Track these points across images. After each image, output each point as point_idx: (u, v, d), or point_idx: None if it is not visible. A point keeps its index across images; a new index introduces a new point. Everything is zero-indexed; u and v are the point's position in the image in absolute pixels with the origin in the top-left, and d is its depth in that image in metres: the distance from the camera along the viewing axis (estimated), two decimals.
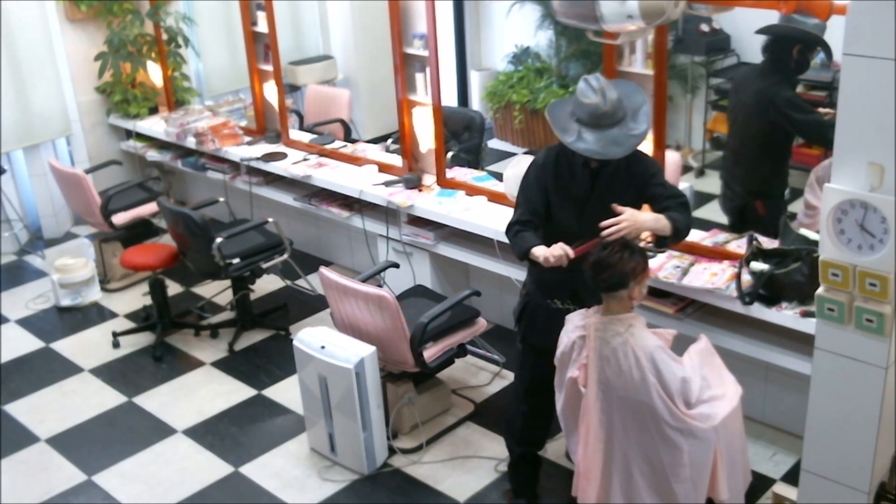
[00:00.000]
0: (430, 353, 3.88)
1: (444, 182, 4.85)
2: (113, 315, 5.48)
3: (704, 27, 6.36)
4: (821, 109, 4.30)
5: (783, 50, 4.07)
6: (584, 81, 3.14)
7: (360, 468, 3.93)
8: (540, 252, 3.15)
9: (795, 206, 4.52)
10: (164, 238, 5.62)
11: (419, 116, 4.85)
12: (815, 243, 3.13)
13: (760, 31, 4.13)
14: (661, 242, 3.27)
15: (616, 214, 3.12)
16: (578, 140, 3.11)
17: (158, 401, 4.59)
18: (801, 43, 4.02)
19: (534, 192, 3.32)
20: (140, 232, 5.65)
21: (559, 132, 3.16)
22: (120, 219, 5.51)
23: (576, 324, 3.09)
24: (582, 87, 3.14)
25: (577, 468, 3.17)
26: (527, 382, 3.55)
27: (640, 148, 3.25)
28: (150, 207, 5.60)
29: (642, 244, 3.09)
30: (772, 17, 4.13)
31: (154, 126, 6.34)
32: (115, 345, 5.10)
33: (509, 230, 3.36)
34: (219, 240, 4.70)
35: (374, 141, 5.87)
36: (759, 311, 3.52)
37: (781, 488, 3.48)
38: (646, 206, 3.34)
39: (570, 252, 3.09)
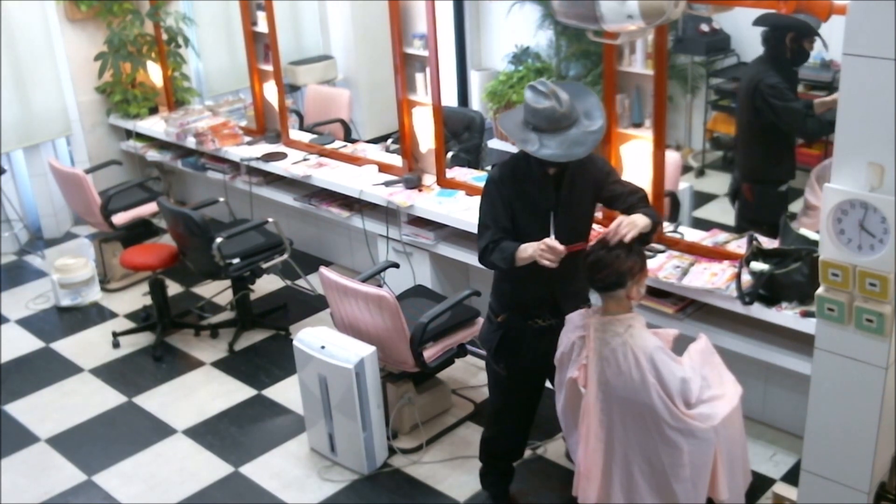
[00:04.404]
0: (430, 353, 3.88)
1: (444, 182, 4.85)
2: (113, 315, 5.48)
3: (704, 27, 6.37)
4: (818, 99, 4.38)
5: (777, 39, 4.20)
6: (531, 90, 3.08)
7: (360, 468, 3.93)
8: (531, 248, 3.06)
9: (795, 206, 4.53)
10: (164, 238, 5.62)
11: (419, 116, 4.85)
12: (815, 243, 3.13)
13: (756, 23, 4.23)
14: (644, 240, 3.18)
15: (582, 221, 3.15)
16: (541, 147, 3.06)
17: (158, 401, 4.59)
18: (792, 31, 4.10)
19: (499, 210, 3.23)
20: (140, 232, 5.65)
21: (520, 143, 3.10)
22: (120, 219, 5.51)
23: (575, 324, 3.09)
24: (531, 96, 3.07)
25: (578, 468, 3.17)
26: (516, 403, 3.50)
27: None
28: (150, 207, 5.61)
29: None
30: None
31: (154, 126, 6.34)
32: (115, 345, 5.10)
33: (484, 252, 3.23)
34: (219, 240, 4.70)
35: (374, 141, 5.87)
36: (759, 311, 3.52)
37: (781, 488, 3.48)
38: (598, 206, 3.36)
39: (560, 246, 3.01)
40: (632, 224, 3.01)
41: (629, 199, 3.18)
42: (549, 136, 3.07)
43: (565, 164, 3.15)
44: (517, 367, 3.41)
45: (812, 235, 3.51)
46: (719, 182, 6.00)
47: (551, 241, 3.04)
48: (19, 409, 4.59)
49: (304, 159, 5.45)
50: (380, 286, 4.10)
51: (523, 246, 3.11)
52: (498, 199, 3.24)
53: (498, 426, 3.61)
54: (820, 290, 2.85)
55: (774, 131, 4.29)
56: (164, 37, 6.32)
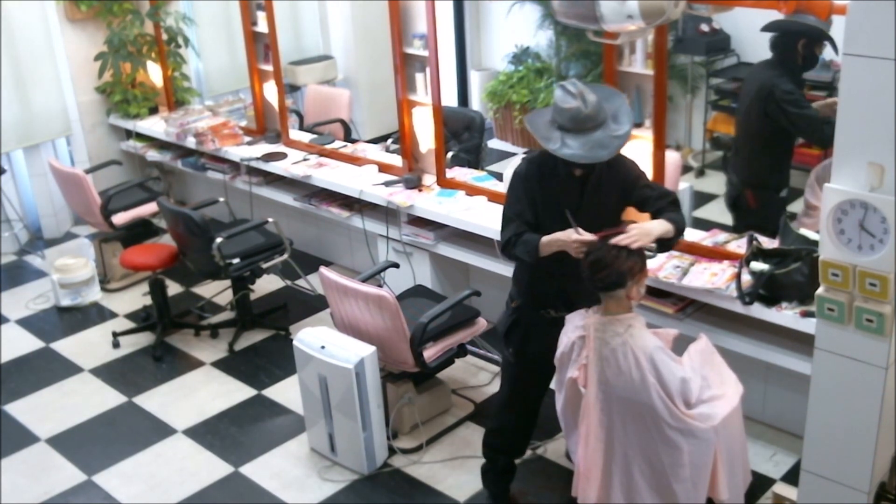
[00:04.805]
0: (430, 353, 3.88)
1: (444, 182, 4.85)
2: (113, 315, 5.48)
3: (704, 27, 6.36)
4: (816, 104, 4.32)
5: (788, 45, 4.12)
6: (560, 88, 3.10)
7: (360, 468, 3.93)
8: (557, 242, 3.08)
9: (796, 206, 4.53)
10: (164, 238, 5.63)
11: (419, 116, 4.85)
12: (815, 243, 3.13)
13: (765, 29, 4.16)
14: (665, 245, 3.24)
15: (607, 223, 3.11)
16: (563, 146, 3.07)
17: (158, 401, 4.59)
18: (805, 37, 4.05)
19: (524, 205, 3.25)
20: (140, 232, 5.65)
21: (542, 141, 3.11)
22: (120, 219, 5.51)
23: (576, 324, 3.10)
24: (560, 94, 3.10)
25: (577, 468, 3.18)
26: (517, 394, 3.53)
27: (622, 150, 3.23)
28: (150, 207, 5.61)
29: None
30: (773, 16, 4.14)
31: (154, 126, 6.34)
32: (115, 345, 5.10)
33: (507, 245, 3.26)
34: (219, 240, 4.70)
35: (374, 141, 5.87)
36: (759, 311, 3.52)
37: (781, 488, 3.48)
38: (630, 210, 3.35)
39: (593, 237, 3.01)
40: (644, 233, 3.02)
41: (658, 203, 3.19)
42: (573, 136, 3.08)
43: (591, 165, 3.15)
44: (525, 355, 3.45)
45: (812, 235, 3.51)
46: (719, 182, 5.99)
47: (583, 234, 3.04)
48: (19, 409, 4.59)
49: (304, 159, 5.45)
50: (380, 286, 4.10)
51: (547, 238, 3.13)
52: (522, 193, 3.27)
53: (502, 417, 3.63)
54: (820, 290, 2.85)
55: (783, 138, 4.24)
56: (164, 37, 6.32)
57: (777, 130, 4.20)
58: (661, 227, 3.10)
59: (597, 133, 3.09)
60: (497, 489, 3.71)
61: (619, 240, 2.99)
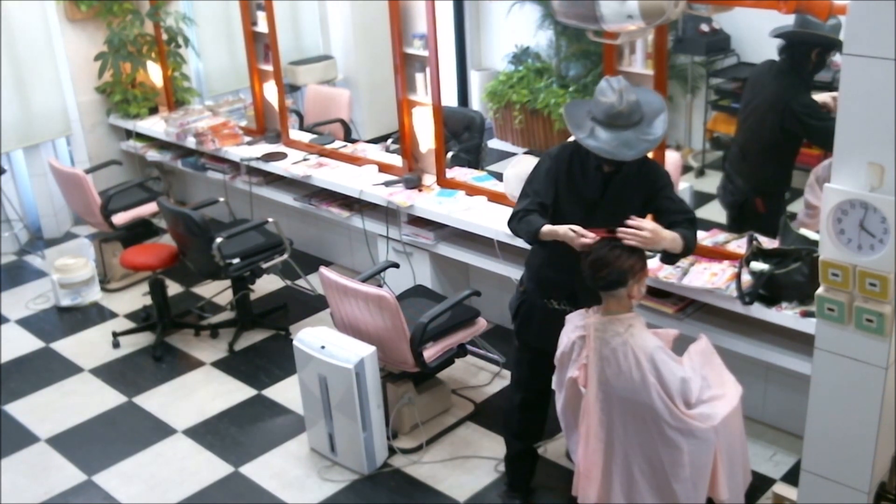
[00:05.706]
0: (430, 353, 3.88)
1: (444, 182, 4.85)
2: (113, 315, 5.48)
3: (704, 27, 6.36)
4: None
5: (802, 54, 4.11)
6: (605, 81, 3.14)
7: (360, 468, 3.93)
8: (558, 229, 3.09)
9: (795, 206, 4.53)
10: (164, 238, 5.63)
11: (419, 116, 4.85)
12: (815, 243, 3.13)
13: (778, 36, 4.13)
14: (670, 259, 3.26)
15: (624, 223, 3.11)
16: (590, 137, 3.09)
17: (158, 401, 4.59)
18: (820, 46, 4.04)
19: (543, 184, 3.29)
20: (140, 232, 5.65)
21: (573, 128, 3.13)
22: (120, 219, 5.51)
23: (576, 324, 3.10)
24: (602, 86, 3.13)
25: (578, 468, 3.18)
26: (521, 376, 3.59)
27: (650, 156, 3.24)
28: (150, 207, 5.60)
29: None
30: (773, 17, 4.13)
31: (154, 126, 6.34)
32: (115, 345, 5.10)
33: (513, 218, 3.30)
34: (219, 240, 4.70)
35: (374, 141, 5.87)
36: (759, 311, 3.52)
37: (781, 488, 3.48)
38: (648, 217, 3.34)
39: (588, 236, 3.02)
40: (655, 238, 3.01)
41: (673, 217, 3.20)
42: (603, 130, 3.10)
43: (620, 164, 3.16)
44: (525, 339, 3.51)
45: (812, 235, 3.51)
46: (719, 182, 6.00)
47: (581, 231, 3.04)
48: (19, 409, 4.59)
49: (304, 159, 5.45)
50: (380, 286, 4.10)
51: (548, 228, 3.12)
52: (546, 174, 3.30)
53: (511, 399, 3.67)
54: (820, 290, 2.85)
55: (794, 145, 4.22)
56: (164, 37, 6.32)
57: (790, 139, 4.17)
58: (673, 240, 3.11)
59: (627, 132, 3.09)
60: (512, 477, 3.73)
61: (626, 233, 2.98)
